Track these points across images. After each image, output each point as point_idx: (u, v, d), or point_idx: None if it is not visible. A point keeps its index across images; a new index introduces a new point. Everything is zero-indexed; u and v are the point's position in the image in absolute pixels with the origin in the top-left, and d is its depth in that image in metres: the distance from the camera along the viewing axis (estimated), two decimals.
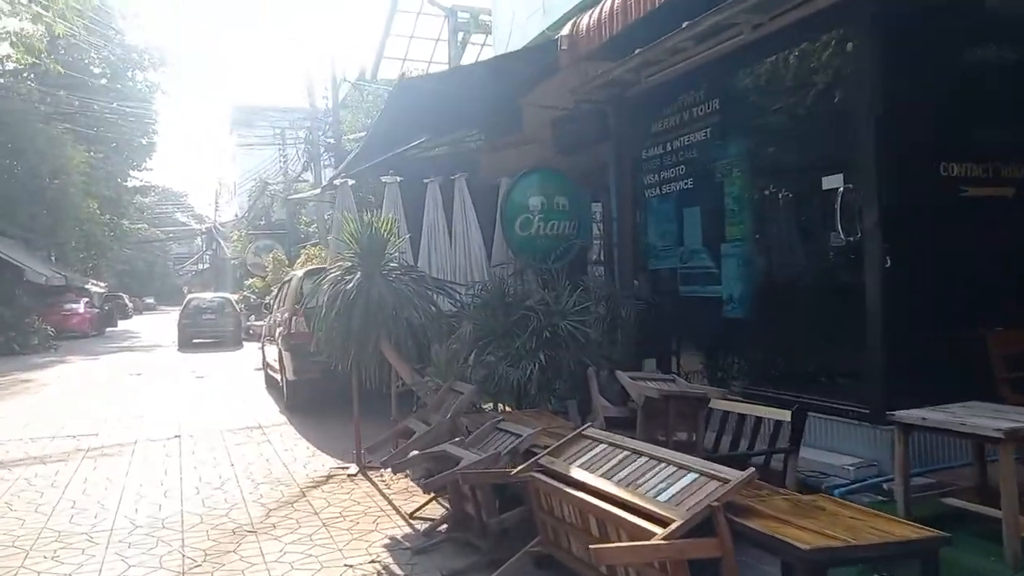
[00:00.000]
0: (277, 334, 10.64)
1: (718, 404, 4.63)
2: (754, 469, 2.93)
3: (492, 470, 3.98)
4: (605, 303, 6.37)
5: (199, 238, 60.95)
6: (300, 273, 9.87)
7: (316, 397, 9.39)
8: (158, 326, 33.69)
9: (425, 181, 6.74)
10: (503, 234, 6.66)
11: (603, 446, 3.74)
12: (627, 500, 3.13)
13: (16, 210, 24.42)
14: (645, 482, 3.23)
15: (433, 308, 5.87)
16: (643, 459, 3.41)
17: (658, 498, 3.06)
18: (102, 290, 34.13)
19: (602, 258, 7.02)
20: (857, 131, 4.55)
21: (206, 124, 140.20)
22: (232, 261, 34.27)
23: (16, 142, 23.88)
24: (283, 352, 9.59)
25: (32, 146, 24.03)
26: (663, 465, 3.28)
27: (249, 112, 39.74)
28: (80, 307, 27.26)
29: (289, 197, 23.04)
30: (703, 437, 4.66)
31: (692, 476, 3.10)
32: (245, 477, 6.28)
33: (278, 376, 10.51)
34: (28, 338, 20.75)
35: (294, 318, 9.23)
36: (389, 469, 6.02)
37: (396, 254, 6.14)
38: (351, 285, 5.67)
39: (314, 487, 5.96)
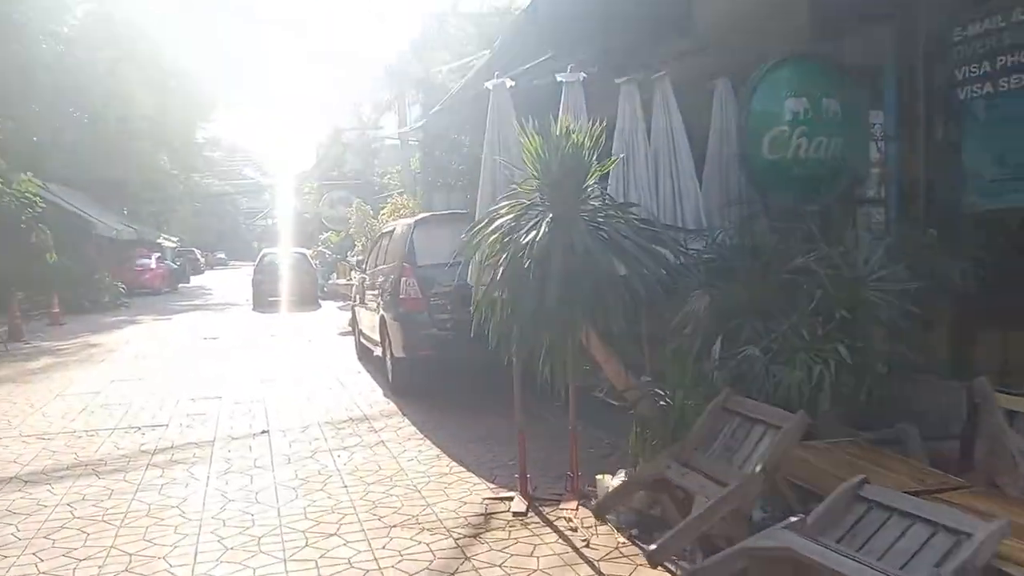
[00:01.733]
0: (370, 297, 8.75)
1: None
2: None
3: None
4: (911, 263, 4.11)
5: (266, 192, 60.11)
6: (409, 223, 7.85)
7: (429, 377, 7.47)
8: (230, 282, 32.78)
9: (618, 81, 4.52)
10: (744, 158, 4.41)
11: None
12: None
13: (86, 161, 23.29)
14: None
15: (664, 272, 3.71)
16: None
17: None
18: (174, 245, 33.36)
19: (882, 194, 4.71)
20: None
21: (275, 76, 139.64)
22: (304, 215, 32.78)
23: (83, 88, 22.61)
24: (388, 321, 7.64)
25: (99, 87, 22.74)
26: None
27: (320, 58, 37.88)
28: (152, 263, 26.28)
29: (386, 139, 20.86)
30: None
31: None
32: (367, 511, 4.36)
33: (376, 349, 8.62)
34: (98, 295, 19.58)
35: (403, 279, 7.25)
36: (575, 504, 4.04)
37: (591, 187, 3.99)
38: (540, 235, 3.55)
39: (472, 537, 3.99)
